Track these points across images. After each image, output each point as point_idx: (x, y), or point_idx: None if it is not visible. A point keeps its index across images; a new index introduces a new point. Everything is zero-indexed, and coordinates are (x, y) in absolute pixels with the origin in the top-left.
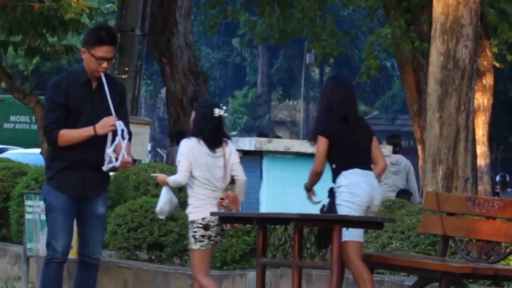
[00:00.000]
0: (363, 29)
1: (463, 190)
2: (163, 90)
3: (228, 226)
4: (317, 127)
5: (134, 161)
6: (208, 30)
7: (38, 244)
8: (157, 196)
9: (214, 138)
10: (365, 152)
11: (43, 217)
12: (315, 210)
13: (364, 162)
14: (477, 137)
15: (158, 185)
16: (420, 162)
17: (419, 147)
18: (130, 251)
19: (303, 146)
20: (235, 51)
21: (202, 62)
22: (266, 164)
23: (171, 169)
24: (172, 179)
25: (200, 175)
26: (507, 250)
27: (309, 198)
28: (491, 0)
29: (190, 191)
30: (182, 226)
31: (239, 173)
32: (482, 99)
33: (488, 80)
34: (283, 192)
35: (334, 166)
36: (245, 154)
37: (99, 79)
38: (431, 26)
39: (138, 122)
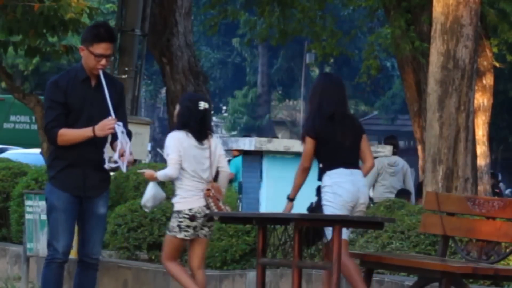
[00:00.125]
0: (363, 29)
1: (463, 190)
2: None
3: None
4: (305, 127)
5: (134, 161)
6: (208, 30)
7: (38, 244)
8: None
9: (201, 130)
10: (352, 151)
11: (43, 217)
12: None
13: (350, 161)
14: (477, 137)
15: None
16: (420, 162)
17: (419, 147)
18: (130, 251)
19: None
20: (235, 51)
21: (202, 62)
22: (266, 164)
23: None
24: (162, 173)
25: (189, 167)
26: (507, 250)
27: (288, 210)
28: (491, 0)
29: (178, 183)
30: None
31: (224, 165)
32: (482, 99)
33: (488, 80)
34: (283, 192)
35: (320, 165)
36: (245, 154)
37: (98, 77)
38: (431, 26)
39: (138, 122)
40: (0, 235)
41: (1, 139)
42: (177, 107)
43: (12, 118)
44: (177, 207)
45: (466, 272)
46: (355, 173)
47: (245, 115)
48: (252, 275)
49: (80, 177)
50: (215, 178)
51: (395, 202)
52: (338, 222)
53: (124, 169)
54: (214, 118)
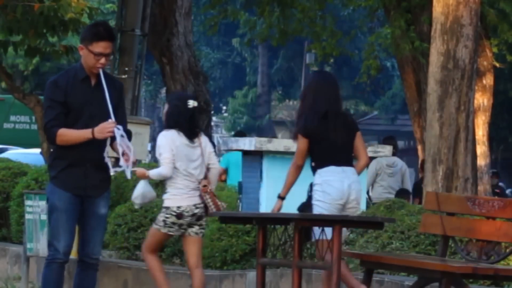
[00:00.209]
0: (363, 29)
1: (463, 190)
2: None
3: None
4: (298, 125)
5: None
6: (208, 30)
7: (38, 244)
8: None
9: (191, 129)
10: (344, 149)
11: (43, 217)
12: None
13: (342, 159)
14: (477, 137)
15: (158, 185)
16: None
17: (419, 147)
18: (130, 251)
19: None
20: (235, 51)
21: (202, 62)
22: (266, 164)
23: None
24: (155, 172)
25: (181, 165)
26: (507, 250)
27: (277, 208)
28: (491, 0)
29: (169, 181)
30: None
31: (215, 162)
32: (482, 99)
33: (488, 80)
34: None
35: (312, 164)
36: (245, 154)
37: (98, 76)
38: (431, 26)
39: (138, 122)
40: (0, 235)
41: (1, 139)
42: (166, 106)
43: (12, 118)
44: (166, 203)
45: (466, 272)
46: (347, 171)
47: (245, 115)
48: (252, 275)
49: (82, 176)
50: (205, 175)
51: (395, 202)
52: (338, 222)
53: (129, 175)
54: (214, 118)
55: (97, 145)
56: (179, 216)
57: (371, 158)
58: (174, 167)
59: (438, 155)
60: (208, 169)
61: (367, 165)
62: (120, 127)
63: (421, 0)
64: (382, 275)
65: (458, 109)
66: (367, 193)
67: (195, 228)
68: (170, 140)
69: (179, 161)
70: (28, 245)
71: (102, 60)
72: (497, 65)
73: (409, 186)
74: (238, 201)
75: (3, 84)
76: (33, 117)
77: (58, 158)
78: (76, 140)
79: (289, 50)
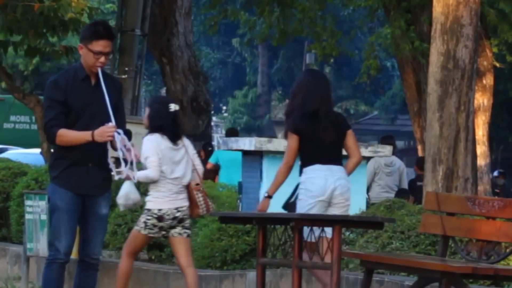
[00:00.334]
0: (363, 29)
1: (463, 190)
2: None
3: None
4: (289, 123)
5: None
6: (208, 30)
7: (38, 244)
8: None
9: (175, 132)
10: (333, 147)
11: (43, 217)
12: None
13: (329, 157)
14: (477, 137)
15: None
16: None
17: (419, 147)
18: None
19: None
20: (235, 51)
21: (202, 62)
22: (266, 164)
23: None
24: (143, 175)
25: (167, 169)
26: (507, 250)
27: (264, 206)
28: (491, 0)
29: (152, 184)
30: None
31: (198, 163)
32: (482, 99)
33: (488, 80)
34: (283, 192)
35: (300, 163)
36: (245, 154)
37: (97, 75)
38: (431, 26)
39: (138, 122)
40: (0, 235)
41: (1, 139)
42: (147, 110)
43: (12, 118)
44: (148, 205)
45: (466, 272)
46: (333, 169)
47: (245, 115)
48: (252, 275)
49: (84, 175)
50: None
51: (395, 202)
52: (338, 222)
53: (133, 177)
54: (214, 118)
55: (99, 145)
56: (160, 218)
57: (370, 158)
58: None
59: (438, 155)
60: (193, 169)
61: (359, 163)
62: (120, 131)
63: (421, 0)
64: (382, 275)
65: (458, 109)
66: (367, 192)
67: (178, 229)
68: (155, 144)
69: (165, 164)
70: (28, 245)
71: (102, 59)
72: (497, 65)
73: (405, 185)
74: (238, 201)
75: (3, 84)
76: (33, 117)
77: (59, 158)
78: (76, 142)
79: (289, 50)
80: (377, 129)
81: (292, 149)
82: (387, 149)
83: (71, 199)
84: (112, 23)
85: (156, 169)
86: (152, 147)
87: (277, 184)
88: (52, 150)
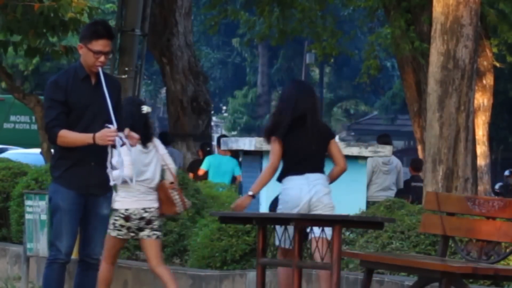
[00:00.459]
0: (363, 29)
1: (463, 190)
2: (163, 90)
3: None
4: (273, 128)
5: None
6: (209, 30)
7: (38, 244)
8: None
9: (146, 134)
10: (315, 156)
11: (43, 217)
12: None
13: (308, 166)
14: (477, 137)
15: None
16: None
17: (419, 147)
18: (130, 251)
19: None
20: (235, 51)
21: (202, 62)
22: (266, 164)
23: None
24: (116, 174)
25: (136, 171)
26: (507, 250)
27: (243, 203)
28: (491, 0)
29: (121, 185)
30: (182, 226)
31: (169, 162)
32: (482, 99)
33: (488, 80)
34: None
35: (280, 170)
36: (245, 154)
37: (97, 75)
38: (431, 26)
39: None
40: (0, 235)
41: (1, 139)
42: None
43: (12, 118)
44: (115, 205)
45: (466, 272)
46: (310, 177)
47: (245, 115)
48: (252, 275)
49: (86, 174)
50: (162, 176)
51: (395, 202)
52: (338, 222)
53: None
54: (214, 118)
55: (101, 144)
56: (127, 218)
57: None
58: None
59: (438, 155)
60: (164, 169)
61: (344, 171)
62: (122, 135)
63: (421, 0)
64: (382, 275)
65: (458, 109)
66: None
67: (146, 232)
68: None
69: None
70: (28, 245)
71: (102, 58)
72: (497, 65)
73: (401, 184)
74: None
75: (3, 84)
76: (33, 117)
77: (61, 158)
78: (77, 144)
79: (289, 50)
80: (377, 129)
81: (275, 153)
82: (387, 149)
83: (73, 199)
84: (112, 23)
85: (131, 168)
86: (123, 149)
87: (261, 185)
88: (52, 151)
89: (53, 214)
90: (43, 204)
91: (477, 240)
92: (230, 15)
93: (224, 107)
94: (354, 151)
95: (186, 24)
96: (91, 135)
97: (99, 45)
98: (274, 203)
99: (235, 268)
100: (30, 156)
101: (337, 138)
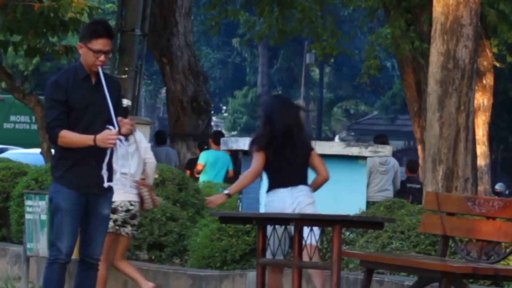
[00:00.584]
0: (363, 29)
1: (463, 190)
2: (163, 90)
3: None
4: (258, 141)
5: None
6: (209, 30)
7: (38, 244)
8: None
9: None
10: (298, 169)
11: (43, 217)
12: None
13: (292, 179)
14: (477, 137)
15: (158, 185)
16: (420, 162)
17: (419, 147)
18: (130, 251)
19: None
20: (235, 51)
21: (202, 62)
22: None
23: (171, 168)
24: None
25: (117, 164)
26: (507, 250)
27: (217, 201)
28: (491, 0)
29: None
30: (182, 226)
31: (150, 156)
32: (482, 99)
33: (488, 80)
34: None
35: (265, 181)
36: (245, 154)
37: (97, 74)
38: (431, 26)
39: (138, 122)
40: (0, 235)
41: (1, 139)
42: None
43: (12, 118)
44: None
45: (466, 272)
46: (294, 190)
47: (245, 115)
48: (252, 275)
49: (87, 174)
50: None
51: (395, 202)
52: (338, 222)
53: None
54: (214, 118)
55: None
56: (113, 211)
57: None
58: None
59: (438, 155)
60: (144, 163)
61: (326, 180)
62: (122, 138)
63: (421, 0)
64: (382, 275)
65: (458, 109)
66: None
67: (128, 228)
68: None
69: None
70: (28, 245)
71: (102, 58)
72: (497, 65)
73: (398, 184)
74: (238, 201)
75: (3, 84)
76: (33, 117)
77: (62, 158)
78: (77, 145)
79: (289, 50)
80: (377, 129)
81: (258, 161)
82: (387, 149)
83: (74, 199)
84: (112, 23)
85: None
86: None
87: (241, 187)
88: (53, 151)
89: (54, 214)
90: (43, 204)
91: (477, 240)
92: (230, 15)
93: (224, 107)
94: (354, 151)
95: (186, 24)
96: (92, 136)
97: (99, 44)
98: None
99: (235, 268)
100: (30, 156)
101: (337, 138)
